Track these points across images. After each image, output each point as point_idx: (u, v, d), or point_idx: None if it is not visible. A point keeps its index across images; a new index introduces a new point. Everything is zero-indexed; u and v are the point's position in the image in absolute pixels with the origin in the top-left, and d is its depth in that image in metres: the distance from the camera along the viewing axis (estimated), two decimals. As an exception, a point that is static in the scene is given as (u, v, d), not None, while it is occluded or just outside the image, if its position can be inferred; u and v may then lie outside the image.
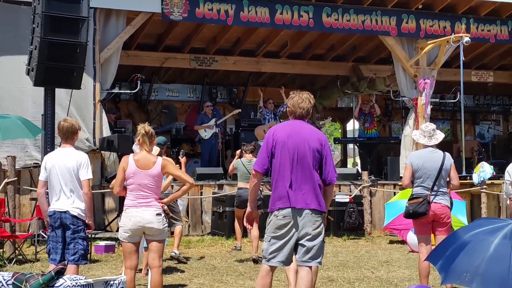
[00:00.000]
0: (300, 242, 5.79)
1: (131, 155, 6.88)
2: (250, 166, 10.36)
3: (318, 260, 5.86)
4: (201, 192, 13.77)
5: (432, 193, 7.61)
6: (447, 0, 15.13)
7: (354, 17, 14.80)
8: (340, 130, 25.71)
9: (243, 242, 12.28)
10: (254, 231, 10.39)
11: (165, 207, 6.88)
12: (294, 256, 5.91)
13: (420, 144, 8.02)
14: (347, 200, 13.58)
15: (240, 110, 17.60)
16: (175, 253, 10.15)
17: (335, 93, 19.20)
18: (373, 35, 15.60)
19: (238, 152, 11.18)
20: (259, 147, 10.87)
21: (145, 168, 6.58)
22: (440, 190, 7.68)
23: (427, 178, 7.66)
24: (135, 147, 8.09)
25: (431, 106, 15.64)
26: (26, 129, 10.65)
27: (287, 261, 5.88)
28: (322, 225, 5.87)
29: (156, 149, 7.76)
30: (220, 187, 13.86)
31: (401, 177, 14.86)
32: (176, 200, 10.43)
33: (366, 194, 14.21)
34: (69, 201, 6.72)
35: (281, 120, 16.99)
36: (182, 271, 9.49)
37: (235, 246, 10.97)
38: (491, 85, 20.47)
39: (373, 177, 15.15)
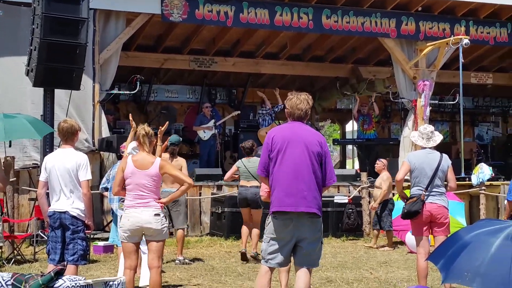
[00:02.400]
0: (298, 244, 5.79)
1: (130, 155, 6.89)
2: (250, 165, 10.43)
3: (316, 262, 5.91)
4: (200, 193, 13.78)
5: (427, 192, 7.63)
6: (446, 2, 15.14)
7: (354, 19, 14.82)
8: (339, 131, 25.72)
9: (236, 245, 12.31)
10: (255, 229, 10.46)
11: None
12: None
13: (419, 145, 8.04)
14: (346, 201, 13.59)
15: (239, 112, 17.63)
16: (179, 260, 10.18)
17: (334, 95, 19.22)
18: (372, 37, 15.60)
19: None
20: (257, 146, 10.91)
21: (143, 168, 6.60)
22: (436, 190, 7.69)
23: (423, 178, 7.69)
24: (131, 150, 8.08)
25: (430, 107, 15.66)
26: (33, 129, 10.55)
27: (285, 263, 5.90)
28: (321, 228, 5.89)
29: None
30: (219, 187, 13.87)
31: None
32: (186, 201, 10.53)
33: (365, 195, 14.22)
34: (69, 202, 6.72)
35: (279, 121, 17.01)
36: (180, 272, 9.49)
37: (241, 251, 10.67)
38: (490, 87, 20.49)
39: (372, 178, 15.13)
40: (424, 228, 7.71)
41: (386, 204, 12.57)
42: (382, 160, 13.12)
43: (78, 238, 6.72)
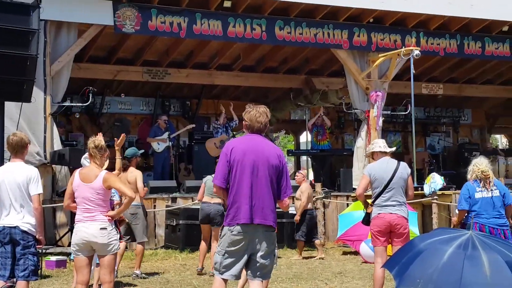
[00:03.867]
0: (253, 257, 5.78)
1: (79, 168, 6.82)
2: None
3: (268, 275, 5.93)
4: (154, 205, 13.66)
5: (378, 201, 7.72)
6: (397, 14, 15.33)
7: (307, 30, 14.90)
8: (293, 142, 25.81)
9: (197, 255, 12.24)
10: (214, 247, 10.37)
11: (123, 216, 6.80)
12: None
13: (376, 154, 8.06)
14: (301, 212, 13.59)
15: (194, 125, 17.54)
16: (136, 274, 10.05)
17: (288, 106, 19.29)
18: (325, 48, 15.71)
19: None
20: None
21: (87, 181, 6.53)
22: (396, 200, 7.76)
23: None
24: (83, 160, 8.04)
25: (383, 118, 15.81)
26: None
27: (239, 275, 5.89)
28: (275, 241, 5.91)
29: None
30: (174, 200, 13.77)
31: (353, 189, 15.05)
32: (146, 214, 10.40)
33: (320, 205, 14.28)
34: (19, 216, 6.59)
35: (234, 133, 17.00)
36: (135, 285, 9.37)
37: (197, 269, 10.54)
38: (441, 98, 20.83)
39: (326, 189, 15.23)
40: (383, 239, 7.76)
41: (304, 215, 12.66)
42: (302, 171, 13.31)
43: (29, 253, 6.59)
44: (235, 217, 5.77)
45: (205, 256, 10.40)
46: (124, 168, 10.02)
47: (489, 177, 7.99)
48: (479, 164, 8.07)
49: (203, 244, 10.54)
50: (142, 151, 12.38)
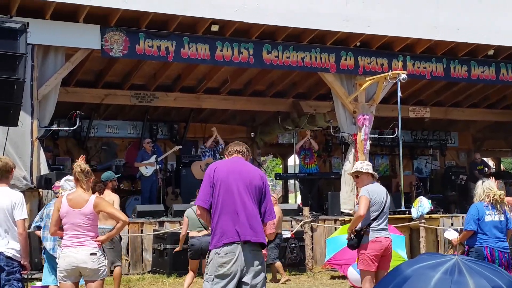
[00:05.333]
0: (243, 279, 5.68)
1: (65, 194, 6.78)
2: None
3: None
4: (142, 230, 13.58)
5: (373, 224, 7.73)
6: (384, 38, 15.42)
7: (294, 54, 14.96)
8: (281, 166, 25.82)
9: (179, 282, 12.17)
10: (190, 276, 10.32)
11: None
12: None
13: (367, 176, 8.03)
14: (289, 235, 13.58)
15: (180, 146, 17.55)
16: None
17: (276, 129, 19.32)
18: (312, 72, 15.77)
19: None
20: None
21: (77, 207, 6.49)
22: (386, 224, 7.81)
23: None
24: (64, 183, 7.99)
25: (370, 141, 15.83)
26: None
27: None
28: (263, 261, 5.84)
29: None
30: (161, 224, 13.70)
31: (341, 212, 15.06)
32: (121, 239, 10.30)
33: (308, 229, 14.24)
34: (4, 242, 6.53)
35: (221, 156, 16.99)
36: (122, 311, 9.30)
37: None
38: (428, 121, 20.90)
39: (314, 213, 15.20)
40: (377, 263, 7.73)
41: (274, 238, 12.59)
42: (274, 194, 13.26)
43: (14, 279, 6.52)
44: (222, 237, 5.69)
45: (189, 285, 10.27)
46: (100, 192, 9.98)
47: (504, 201, 8.05)
48: (492, 187, 8.07)
49: (191, 274, 10.40)
50: (119, 175, 12.39)
